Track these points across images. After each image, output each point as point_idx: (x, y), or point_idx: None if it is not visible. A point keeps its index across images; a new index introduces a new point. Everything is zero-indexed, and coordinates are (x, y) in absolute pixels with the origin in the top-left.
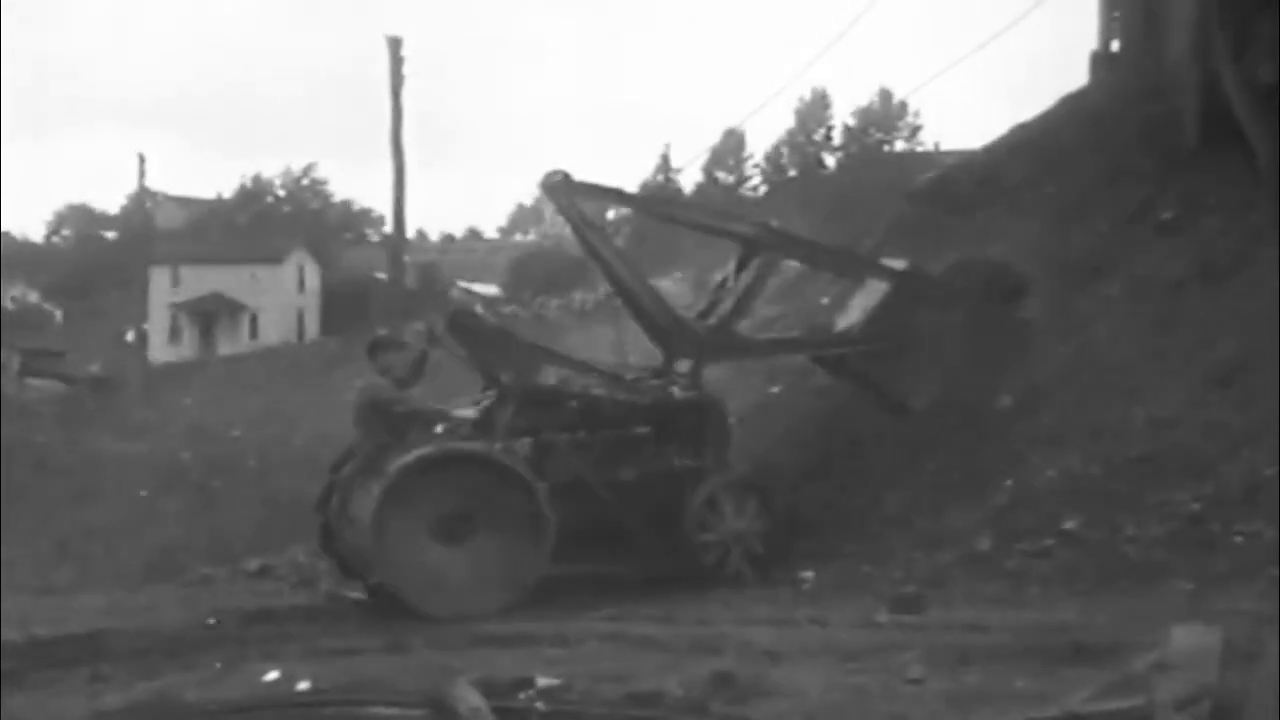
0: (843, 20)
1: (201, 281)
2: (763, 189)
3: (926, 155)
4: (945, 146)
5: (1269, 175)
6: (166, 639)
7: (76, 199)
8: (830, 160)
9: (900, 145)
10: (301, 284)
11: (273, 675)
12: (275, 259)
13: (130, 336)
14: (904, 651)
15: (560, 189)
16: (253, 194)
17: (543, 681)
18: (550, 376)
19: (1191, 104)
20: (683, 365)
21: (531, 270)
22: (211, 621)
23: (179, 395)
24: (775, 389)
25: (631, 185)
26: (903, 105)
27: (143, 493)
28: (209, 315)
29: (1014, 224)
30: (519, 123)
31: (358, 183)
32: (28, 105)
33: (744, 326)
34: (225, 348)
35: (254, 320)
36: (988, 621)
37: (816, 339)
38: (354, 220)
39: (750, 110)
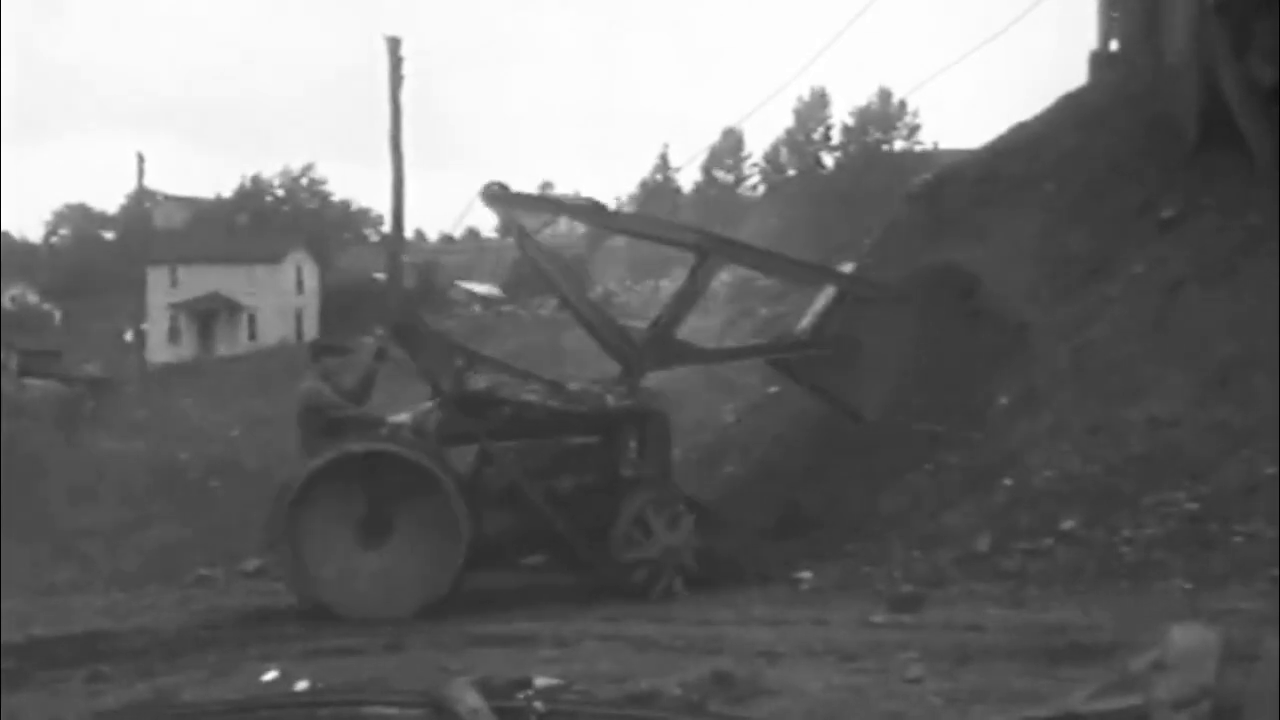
0: (842, 20)
1: (200, 281)
2: (761, 188)
3: (925, 155)
4: (944, 146)
5: (1268, 175)
6: (165, 639)
7: (75, 199)
8: (829, 160)
9: (899, 145)
10: (300, 284)
11: (271, 675)
12: (274, 259)
13: (129, 337)
14: (902, 651)
15: (499, 200)
16: (251, 194)
17: (541, 681)
18: (508, 386)
19: (1191, 104)
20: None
21: (530, 271)
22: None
23: (177, 395)
24: (774, 389)
25: (631, 185)
26: (902, 105)
27: (141, 493)
28: (207, 315)
29: (1013, 223)
30: (518, 123)
31: (356, 183)
32: (27, 105)
33: (737, 330)
34: (224, 348)
35: (252, 320)
36: (986, 621)
37: (757, 346)
38: (353, 220)
39: (749, 110)
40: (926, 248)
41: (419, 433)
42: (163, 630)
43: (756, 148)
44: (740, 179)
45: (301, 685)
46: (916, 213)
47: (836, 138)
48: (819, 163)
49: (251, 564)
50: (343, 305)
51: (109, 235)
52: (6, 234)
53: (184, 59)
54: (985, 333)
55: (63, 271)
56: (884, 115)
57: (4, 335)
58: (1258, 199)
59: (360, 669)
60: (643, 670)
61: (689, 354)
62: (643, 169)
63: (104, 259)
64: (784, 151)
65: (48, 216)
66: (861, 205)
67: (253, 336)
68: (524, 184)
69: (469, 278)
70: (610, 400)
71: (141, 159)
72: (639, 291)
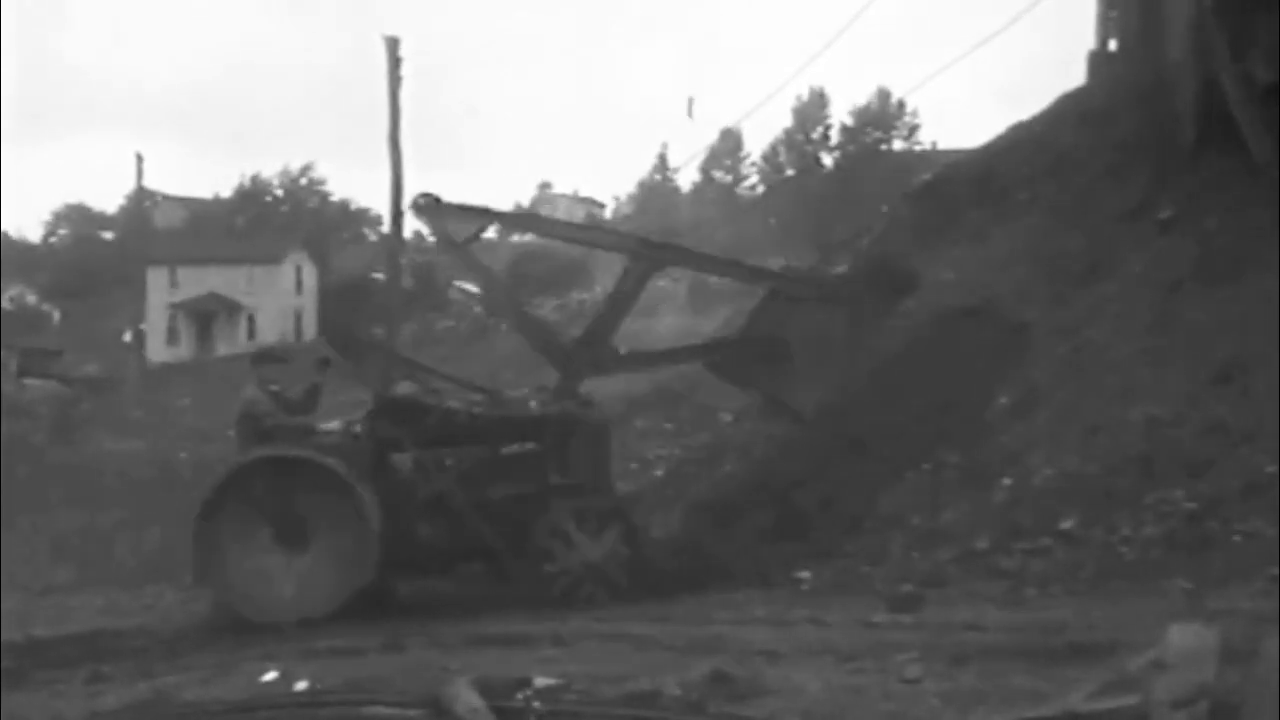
0: (841, 20)
1: (199, 281)
2: (760, 188)
3: (924, 154)
4: (943, 146)
5: (1267, 174)
6: (165, 639)
7: (74, 199)
8: (828, 159)
9: (898, 145)
10: (299, 284)
11: (271, 675)
12: (273, 259)
13: (128, 336)
14: (902, 651)
15: (430, 211)
16: (250, 194)
17: (541, 681)
18: (437, 393)
19: (1189, 103)
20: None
21: (529, 270)
22: None
23: (177, 395)
24: None
25: (629, 184)
26: (900, 104)
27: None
28: (207, 315)
29: (1011, 223)
30: (518, 123)
31: (356, 183)
32: (26, 105)
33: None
34: (223, 348)
35: (251, 320)
36: (985, 621)
37: (691, 348)
38: (351, 220)
39: (748, 109)
40: (926, 247)
41: (352, 439)
42: (163, 630)
43: (755, 148)
44: (739, 179)
45: (301, 685)
46: (916, 213)
47: (835, 138)
48: (818, 163)
49: None
50: (342, 305)
51: (108, 235)
52: (6, 234)
53: (184, 59)
54: (985, 332)
55: (62, 271)
56: (883, 115)
57: (3, 335)
58: (1257, 199)
59: (360, 669)
60: (642, 670)
61: (623, 360)
62: (642, 169)
63: (103, 259)
64: (783, 151)
65: (47, 216)
66: (861, 205)
67: (252, 336)
68: (524, 184)
69: (467, 278)
70: (534, 408)
71: (141, 159)
72: None
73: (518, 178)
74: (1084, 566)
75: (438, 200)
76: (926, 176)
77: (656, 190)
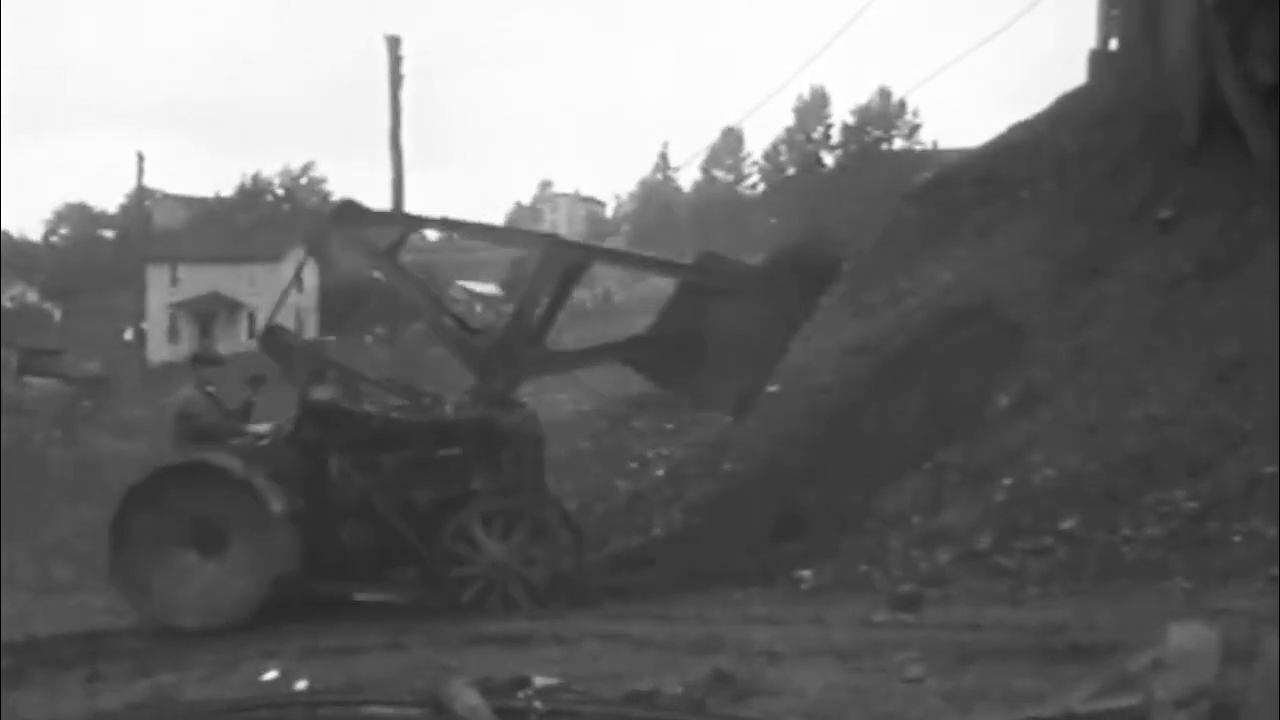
0: (842, 19)
1: (200, 281)
2: (761, 188)
3: (925, 154)
4: (944, 145)
5: (1268, 174)
6: (165, 638)
7: (75, 198)
8: (829, 159)
9: (899, 144)
10: (300, 283)
11: (271, 674)
12: (274, 258)
13: (129, 336)
14: (902, 650)
15: (351, 220)
16: (251, 193)
17: (541, 681)
18: (358, 398)
19: (1190, 103)
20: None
21: (530, 269)
22: None
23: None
24: (775, 388)
25: (630, 184)
26: (902, 104)
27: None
28: (207, 314)
29: (1012, 223)
30: (518, 122)
31: (356, 182)
32: (26, 105)
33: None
34: (224, 347)
35: (252, 319)
36: (986, 620)
37: (605, 347)
38: None
39: (749, 109)
40: (927, 247)
41: (281, 443)
42: (162, 630)
43: (756, 147)
44: (740, 178)
45: (301, 685)
46: (916, 212)
47: (836, 137)
48: (819, 162)
49: None
50: (342, 305)
51: (109, 234)
52: (6, 233)
53: (184, 59)
54: (985, 332)
55: (63, 271)
56: (884, 114)
57: (4, 334)
58: (1257, 198)
59: (360, 668)
60: (642, 669)
61: (540, 362)
62: (643, 168)
63: (104, 258)
64: (784, 150)
65: (48, 216)
66: (861, 205)
67: (253, 335)
68: (524, 184)
69: (468, 277)
70: (449, 413)
71: (141, 158)
72: (638, 291)
73: (518, 177)
74: (1085, 566)
75: (357, 208)
76: (927, 176)
77: (658, 189)
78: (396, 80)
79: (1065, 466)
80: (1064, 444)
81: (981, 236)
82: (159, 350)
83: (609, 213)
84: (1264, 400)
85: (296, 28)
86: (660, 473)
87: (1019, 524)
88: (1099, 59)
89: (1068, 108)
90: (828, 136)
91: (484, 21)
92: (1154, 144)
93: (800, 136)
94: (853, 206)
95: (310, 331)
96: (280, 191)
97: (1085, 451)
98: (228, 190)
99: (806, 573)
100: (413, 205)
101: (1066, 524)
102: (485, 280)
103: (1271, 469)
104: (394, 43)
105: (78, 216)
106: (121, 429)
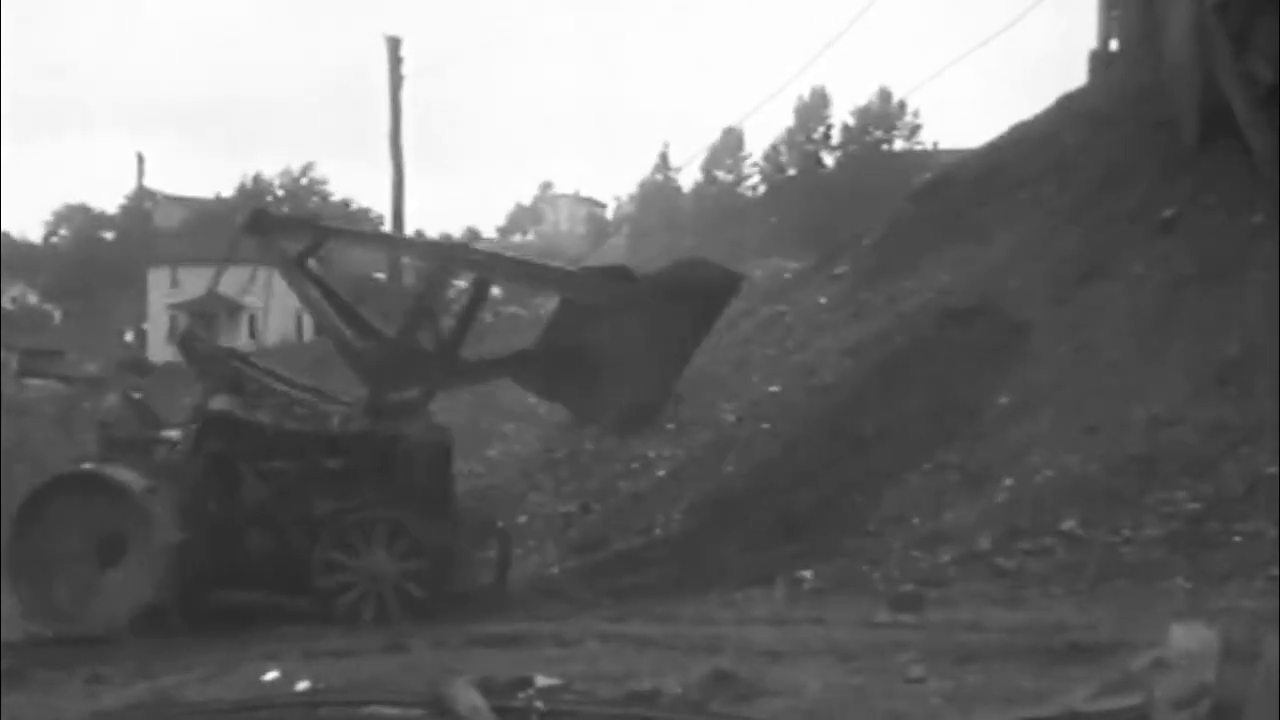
0: (842, 19)
1: (200, 281)
2: (761, 188)
3: (926, 155)
4: (944, 146)
5: (1268, 174)
6: (165, 638)
7: (75, 199)
8: (829, 159)
9: (899, 145)
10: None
11: (272, 675)
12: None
13: (129, 337)
14: (903, 651)
15: (261, 228)
16: (252, 194)
17: (542, 681)
18: (263, 407)
19: (1190, 103)
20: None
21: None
22: None
23: (178, 395)
24: (774, 388)
25: (630, 184)
26: (902, 104)
27: None
28: (208, 315)
29: (1013, 223)
30: (518, 123)
31: (357, 183)
32: (26, 105)
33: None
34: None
35: (253, 320)
36: (987, 621)
37: (494, 361)
38: (352, 220)
39: (749, 109)
40: (927, 247)
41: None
42: (162, 630)
43: (756, 147)
44: (740, 179)
45: (302, 685)
46: (917, 213)
47: (837, 137)
48: (819, 162)
49: None
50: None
51: (109, 235)
52: (6, 234)
53: (184, 59)
54: (985, 332)
55: (63, 272)
56: (884, 115)
57: (4, 335)
58: (1258, 198)
59: (361, 669)
60: (643, 670)
61: (428, 374)
62: (643, 169)
63: (104, 259)
64: (784, 151)
65: (48, 217)
66: (862, 205)
67: (253, 336)
68: (524, 184)
69: (466, 278)
70: (335, 423)
71: (141, 159)
72: None
73: (519, 178)
74: (1085, 566)
75: (269, 215)
76: (928, 176)
77: (658, 190)
78: (397, 81)
79: (1066, 467)
80: (1064, 444)
81: (981, 237)
82: (159, 351)
83: (609, 213)
84: (1264, 400)
85: (297, 28)
86: (662, 473)
87: (1019, 524)
88: (1099, 59)
89: (1068, 108)
90: (828, 137)
91: (484, 22)
92: (1154, 145)
93: (800, 137)
94: (853, 207)
95: (308, 334)
96: (281, 193)
97: (1085, 452)
98: (228, 191)
99: (807, 573)
100: (412, 206)
101: (1067, 524)
102: None
103: (1272, 469)
104: (394, 43)
105: (78, 217)
106: None
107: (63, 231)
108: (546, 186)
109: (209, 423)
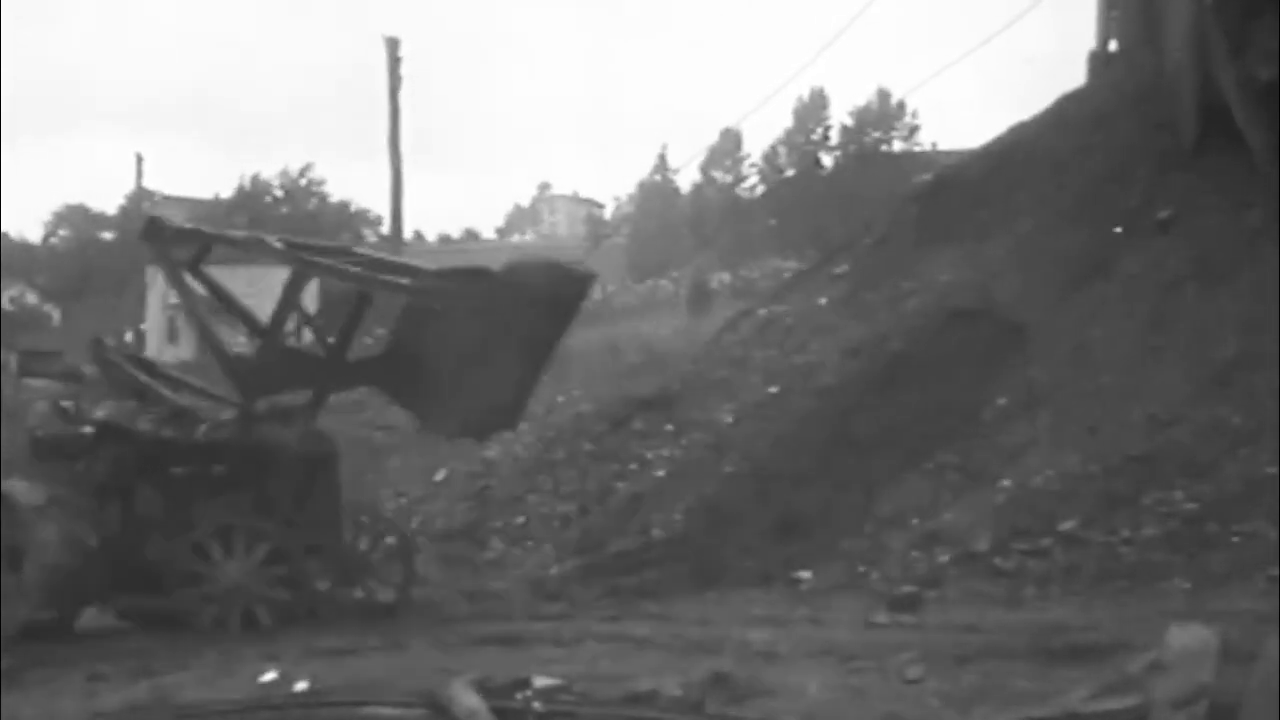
0: (841, 20)
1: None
2: (760, 189)
3: (924, 155)
4: (943, 147)
5: (1267, 174)
6: (164, 638)
7: (74, 199)
8: (828, 160)
9: (898, 145)
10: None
11: (271, 675)
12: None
13: (129, 337)
14: (902, 651)
15: (155, 238)
16: (250, 194)
17: (540, 682)
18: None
19: (1189, 104)
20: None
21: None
22: None
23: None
24: (774, 389)
25: (629, 185)
26: (901, 105)
27: None
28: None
29: (1011, 224)
30: (517, 123)
31: (355, 183)
32: (25, 105)
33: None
34: None
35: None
36: (985, 621)
37: (357, 366)
38: (351, 221)
39: (748, 110)
40: (926, 248)
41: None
42: (161, 629)
43: (755, 148)
44: (739, 179)
45: (301, 685)
46: (916, 213)
47: (835, 138)
48: (818, 163)
49: None
50: (342, 306)
51: (108, 236)
52: (5, 235)
53: (183, 59)
54: (985, 332)
55: (62, 272)
56: (883, 116)
57: (3, 336)
58: (1256, 198)
59: (359, 669)
60: (642, 670)
61: (291, 381)
62: (641, 170)
63: (103, 260)
64: (783, 152)
65: (47, 217)
66: (861, 206)
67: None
68: (523, 185)
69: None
70: (203, 432)
71: (140, 159)
72: (638, 292)
73: (517, 179)
74: (1083, 567)
75: (163, 224)
76: (926, 177)
77: (656, 191)
78: (395, 81)
79: (1064, 468)
80: (1063, 445)
81: (980, 238)
82: (159, 351)
83: (608, 214)
84: (1263, 401)
85: (295, 29)
86: (660, 474)
87: (1018, 525)
88: (1098, 60)
89: (1067, 109)
90: (826, 138)
91: (484, 21)
92: (1153, 145)
93: (799, 138)
94: (852, 208)
95: (306, 338)
96: (279, 193)
97: (1084, 452)
98: (227, 191)
99: (806, 574)
100: (411, 206)
101: (1065, 525)
102: None
103: (1271, 470)
104: (393, 44)
105: (77, 218)
106: None
107: (62, 232)
108: (545, 187)
109: (98, 432)
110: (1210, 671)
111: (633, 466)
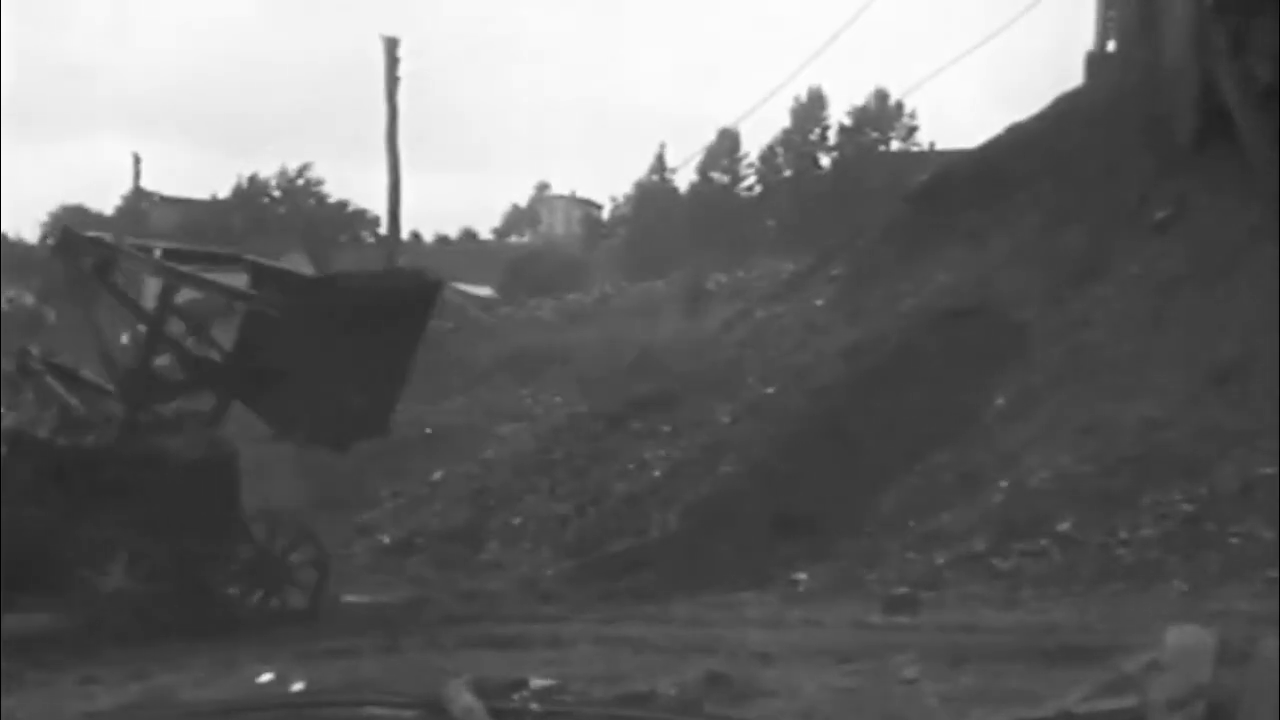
0: (839, 20)
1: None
2: (758, 189)
3: (922, 155)
4: (941, 146)
5: (1265, 174)
6: (160, 639)
7: (71, 200)
8: (826, 160)
9: (896, 145)
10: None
11: (267, 676)
12: (271, 259)
13: (125, 339)
14: (898, 652)
15: (67, 249)
16: (248, 195)
17: (537, 682)
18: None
19: (1188, 103)
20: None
21: (526, 272)
22: None
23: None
24: (771, 390)
25: (626, 185)
26: (899, 105)
27: None
28: (205, 316)
29: (1009, 224)
30: (515, 123)
31: (353, 183)
32: (24, 106)
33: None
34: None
35: None
36: (982, 622)
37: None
38: (350, 221)
39: (746, 110)
40: (924, 248)
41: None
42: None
43: (753, 148)
44: (736, 179)
45: (298, 686)
46: (913, 213)
47: (833, 138)
48: (816, 163)
49: None
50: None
51: (106, 237)
52: (4, 236)
53: (182, 59)
54: (982, 332)
55: (59, 273)
56: (881, 116)
57: (2, 337)
58: (1254, 198)
59: (356, 670)
60: (638, 671)
61: (165, 389)
62: (639, 170)
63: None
64: (780, 152)
65: (44, 218)
66: (858, 206)
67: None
68: (521, 185)
69: (465, 280)
70: (90, 441)
71: (138, 160)
72: (635, 292)
73: (515, 179)
74: (1081, 568)
75: (75, 236)
76: (924, 177)
77: (654, 191)
78: (393, 81)
79: (1061, 468)
80: (1060, 446)
81: (978, 238)
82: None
83: (605, 214)
84: (1261, 402)
85: (294, 29)
86: (657, 474)
87: (1015, 526)
88: (1097, 60)
89: (1065, 108)
90: (824, 138)
91: (484, 21)
92: (1151, 145)
93: (797, 138)
94: (850, 208)
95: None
96: (277, 193)
97: (1081, 453)
98: (224, 192)
99: (802, 574)
100: (410, 207)
101: (1062, 526)
102: (481, 283)
103: (1268, 470)
104: (391, 44)
105: (75, 219)
106: None
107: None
108: (543, 187)
109: (6, 439)
110: (1207, 672)
111: (630, 467)
